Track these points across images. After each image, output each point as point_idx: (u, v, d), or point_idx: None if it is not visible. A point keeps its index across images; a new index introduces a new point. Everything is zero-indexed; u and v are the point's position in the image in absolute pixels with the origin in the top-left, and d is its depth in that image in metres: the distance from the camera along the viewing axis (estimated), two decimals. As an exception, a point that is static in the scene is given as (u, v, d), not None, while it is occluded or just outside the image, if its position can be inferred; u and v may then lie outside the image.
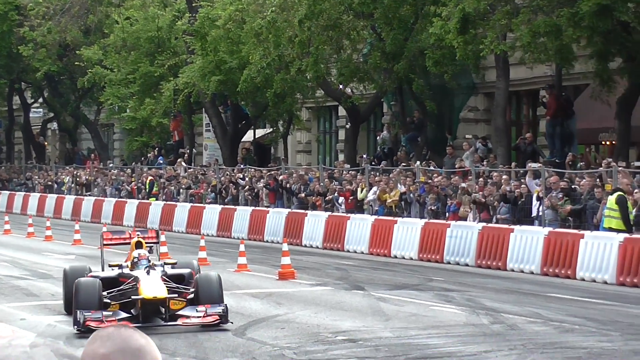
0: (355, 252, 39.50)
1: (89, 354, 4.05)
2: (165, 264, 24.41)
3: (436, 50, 43.60)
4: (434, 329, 22.04)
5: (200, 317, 22.63)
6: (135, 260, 23.75)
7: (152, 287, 22.64)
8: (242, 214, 47.27)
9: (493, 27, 40.00)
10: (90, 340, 4.07)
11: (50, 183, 68.30)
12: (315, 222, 42.65)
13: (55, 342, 20.23)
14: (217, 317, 22.49)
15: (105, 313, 22.28)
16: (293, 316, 24.20)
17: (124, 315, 22.77)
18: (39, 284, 30.65)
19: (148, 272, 23.00)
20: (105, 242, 26.84)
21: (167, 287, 22.86)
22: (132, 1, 65.11)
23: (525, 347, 19.66)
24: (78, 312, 22.20)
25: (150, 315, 22.99)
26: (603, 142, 44.05)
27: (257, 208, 47.72)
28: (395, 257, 37.47)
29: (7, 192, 70.81)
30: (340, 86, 51.74)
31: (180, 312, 22.92)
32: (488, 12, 40.04)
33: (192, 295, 23.04)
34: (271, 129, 61.04)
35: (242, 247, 33.77)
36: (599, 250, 30.15)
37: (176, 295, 23.03)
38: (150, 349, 4.07)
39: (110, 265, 24.47)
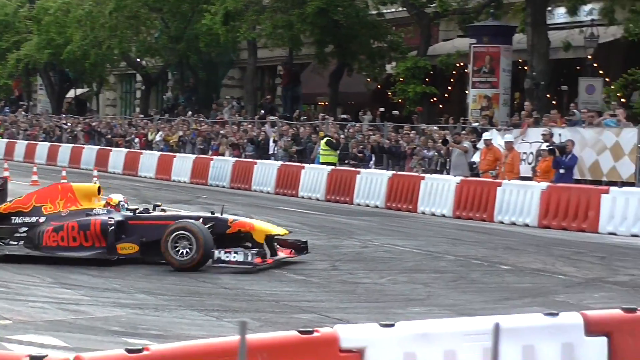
0: (145, 177, 39.29)
1: None
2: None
3: (207, 36, 43.58)
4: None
5: None
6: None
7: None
8: (65, 150, 46.51)
9: (246, 21, 40.21)
10: None
11: None
12: (117, 156, 42.28)
13: None
14: None
15: None
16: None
17: None
18: None
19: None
20: None
21: None
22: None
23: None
24: None
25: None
26: (319, 103, 44.76)
27: (76, 145, 46.99)
28: (174, 181, 37.45)
29: None
30: (138, 60, 51.45)
31: None
32: (243, 9, 40.19)
33: None
34: (88, 89, 60.47)
35: (63, 173, 33.39)
36: (371, 184, 28.36)
37: None
38: None
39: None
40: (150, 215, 16.91)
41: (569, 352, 7.55)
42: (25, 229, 16.83)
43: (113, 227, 16.39)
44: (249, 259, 15.74)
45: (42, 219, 16.85)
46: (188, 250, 15.80)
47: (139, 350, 6.20)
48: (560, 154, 25.00)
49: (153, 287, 14.48)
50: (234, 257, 15.74)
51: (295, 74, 44.46)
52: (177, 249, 15.82)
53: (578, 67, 35.14)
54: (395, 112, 37.68)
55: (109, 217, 16.59)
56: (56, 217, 16.78)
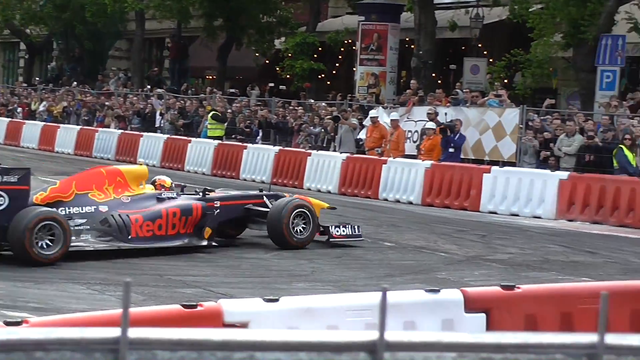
0: (28, 147, 38.59)
1: None
2: None
3: (93, 6, 42.93)
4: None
5: None
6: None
7: None
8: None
9: (133, -8, 39.75)
10: None
11: None
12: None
13: None
14: None
15: None
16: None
17: None
18: None
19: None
20: None
21: None
22: None
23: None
24: None
25: None
26: (207, 77, 44.52)
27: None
28: (58, 152, 36.90)
29: None
30: (22, 28, 50.36)
31: None
32: (130, -20, 39.72)
33: None
34: (-31, 56, 59.04)
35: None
36: (258, 159, 28.66)
37: None
38: None
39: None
40: (222, 196, 16.10)
41: (449, 328, 7.72)
42: (82, 220, 14.74)
43: (218, 211, 15.56)
44: (357, 231, 16.08)
45: (102, 208, 14.95)
46: (303, 227, 15.59)
47: (18, 323, 6.15)
48: (449, 133, 25.39)
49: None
50: (344, 231, 15.92)
51: (184, 46, 44.11)
52: (295, 227, 15.51)
53: (463, 47, 35.64)
54: (282, 87, 37.71)
55: (197, 201, 15.54)
56: (117, 204, 15.06)
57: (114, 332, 2.17)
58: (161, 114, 35.51)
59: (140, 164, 17.66)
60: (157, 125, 35.44)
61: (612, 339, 2.52)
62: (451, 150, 25.26)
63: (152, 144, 32.91)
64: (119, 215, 14.86)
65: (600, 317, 2.54)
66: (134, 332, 2.19)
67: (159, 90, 38.76)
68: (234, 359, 2.24)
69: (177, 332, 2.21)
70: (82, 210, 14.83)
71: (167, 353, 2.19)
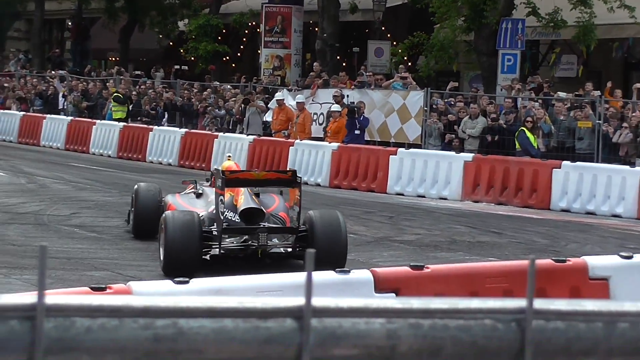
0: None
1: None
2: None
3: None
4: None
5: None
6: None
7: None
8: None
9: (34, -28, 39.02)
10: None
11: None
12: None
13: None
14: None
15: None
16: None
17: None
18: None
19: None
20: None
21: None
22: None
23: (52, 200, 19.52)
24: None
25: None
26: (110, 58, 43.96)
27: None
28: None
29: None
30: None
31: None
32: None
33: None
34: None
35: None
36: (164, 141, 28.22)
37: None
38: None
39: None
40: None
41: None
42: None
43: None
44: None
45: None
46: None
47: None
48: (355, 115, 25.43)
49: (-64, 244, 13.94)
50: None
51: (85, 28, 43.48)
52: None
53: (367, 30, 35.72)
54: (184, 67, 37.40)
55: None
56: None
57: (29, 298, 2.06)
58: (64, 96, 34.94)
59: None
60: (60, 107, 34.87)
61: (540, 303, 2.48)
62: (357, 132, 25.30)
63: (55, 126, 32.36)
64: None
65: (528, 283, 2.50)
66: (51, 299, 2.08)
67: (61, 72, 38.14)
68: (157, 325, 2.14)
69: (97, 298, 2.10)
70: None
71: (87, 320, 2.08)
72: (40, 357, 2.06)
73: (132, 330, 2.13)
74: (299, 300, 2.30)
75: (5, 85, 38.05)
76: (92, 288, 6.95)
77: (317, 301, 2.31)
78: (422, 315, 2.40)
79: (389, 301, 2.40)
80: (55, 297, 2.08)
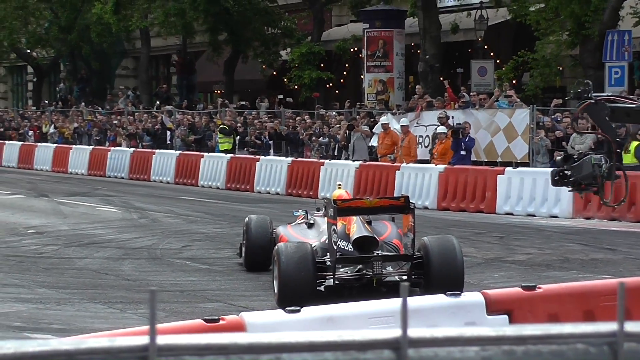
0: (41, 170, 38.75)
1: None
2: None
3: (98, 26, 43.11)
4: (99, 223, 21.71)
5: None
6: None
7: None
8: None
9: (138, 9, 39.92)
10: None
11: None
12: (11, 149, 41.62)
13: None
14: None
15: None
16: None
17: None
18: None
19: None
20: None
21: None
22: None
23: (163, 234, 19.87)
24: None
25: None
26: (215, 91, 44.64)
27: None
28: (71, 173, 37.06)
29: None
30: (28, 51, 50.66)
31: None
32: (134, -2, 39.94)
33: None
34: (-23, 82, 59.30)
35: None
36: (272, 171, 28.51)
37: None
38: None
39: None
40: None
41: (471, 331, 7.73)
42: None
43: None
44: None
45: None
46: None
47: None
48: (460, 135, 25.41)
49: (54, 280, 14.37)
50: None
51: (190, 62, 44.28)
52: None
53: (470, 50, 35.65)
54: (289, 99, 37.80)
55: None
56: None
57: (142, 340, 2.22)
58: (172, 130, 35.62)
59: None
60: (168, 142, 35.55)
61: (631, 326, 2.56)
62: (462, 153, 25.27)
63: (165, 161, 33.01)
64: None
65: (618, 306, 2.58)
66: (162, 340, 2.24)
67: (167, 107, 38.89)
68: (262, 361, 2.28)
69: (204, 337, 2.26)
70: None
71: (195, 358, 2.24)
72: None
73: (239, 366, 2.26)
74: (395, 332, 2.42)
75: (115, 122, 38.96)
76: (205, 320, 7.11)
77: (413, 332, 2.42)
78: (516, 342, 2.49)
79: (482, 329, 2.51)
80: (165, 337, 2.24)
